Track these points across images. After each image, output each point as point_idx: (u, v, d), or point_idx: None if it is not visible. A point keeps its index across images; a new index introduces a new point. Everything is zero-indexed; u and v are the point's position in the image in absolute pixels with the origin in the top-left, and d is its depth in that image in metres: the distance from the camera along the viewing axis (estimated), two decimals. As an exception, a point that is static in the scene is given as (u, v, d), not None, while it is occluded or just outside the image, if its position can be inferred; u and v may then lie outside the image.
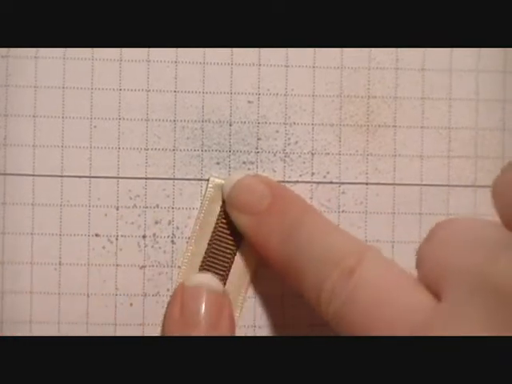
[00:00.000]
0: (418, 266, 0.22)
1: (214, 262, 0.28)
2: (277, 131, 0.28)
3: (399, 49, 0.29)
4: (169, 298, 0.28)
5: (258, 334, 0.28)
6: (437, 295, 0.21)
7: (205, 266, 0.28)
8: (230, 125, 0.28)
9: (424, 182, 0.29)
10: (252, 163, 0.28)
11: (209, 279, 0.27)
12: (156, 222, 0.28)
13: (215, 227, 0.28)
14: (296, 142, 0.28)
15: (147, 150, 0.28)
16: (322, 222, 0.25)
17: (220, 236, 0.28)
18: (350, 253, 0.23)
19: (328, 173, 0.28)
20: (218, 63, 0.28)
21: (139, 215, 0.28)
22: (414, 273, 0.22)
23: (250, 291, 0.28)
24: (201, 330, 0.26)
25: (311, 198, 0.28)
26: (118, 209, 0.28)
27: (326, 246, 0.24)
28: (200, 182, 0.28)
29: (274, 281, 0.28)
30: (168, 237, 0.28)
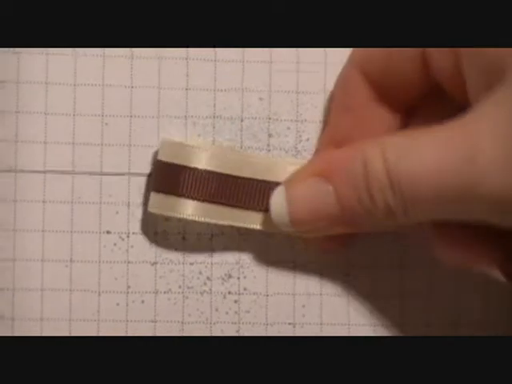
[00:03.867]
0: None
1: None
2: (288, 128, 0.29)
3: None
4: (180, 295, 0.28)
5: (269, 332, 0.28)
6: None
7: None
8: (242, 121, 0.28)
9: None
10: (263, 160, 0.28)
11: None
12: (167, 219, 0.28)
13: None
14: (307, 139, 0.28)
15: (158, 146, 0.28)
16: None
17: None
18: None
19: (339, 169, 0.28)
20: (229, 60, 0.28)
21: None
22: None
23: (263, 288, 0.28)
24: None
25: (322, 195, 0.28)
26: (129, 206, 0.28)
27: None
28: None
29: (287, 279, 0.28)
30: (179, 233, 0.28)
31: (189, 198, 0.26)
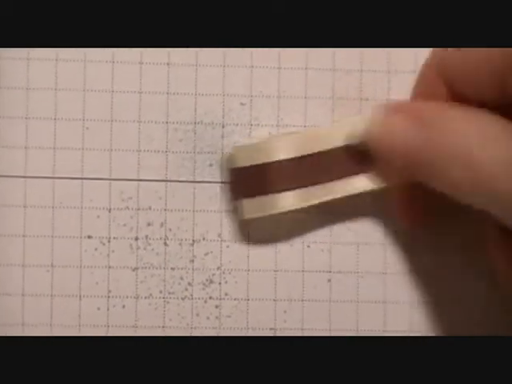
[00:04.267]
0: None
1: None
2: (269, 133, 0.28)
3: (392, 50, 0.29)
4: (161, 300, 0.28)
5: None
6: None
7: None
8: (223, 127, 0.28)
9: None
10: (244, 165, 0.28)
11: None
12: (148, 224, 0.28)
13: None
14: (288, 144, 0.28)
15: (139, 151, 0.28)
16: None
17: None
18: None
19: (320, 175, 0.28)
20: (210, 65, 0.28)
21: (131, 217, 0.28)
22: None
23: (244, 293, 0.28)
24: None
25: (304, 200, 0.28)
26: (110, 211, 0.28)
27: None
28: (193, 183, 0.28)
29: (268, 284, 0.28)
30: (160, 239, 0.28)
31: (283, 192, 0.26)
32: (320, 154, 0.27)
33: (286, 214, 0.28)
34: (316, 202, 0.27)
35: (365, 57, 0.29)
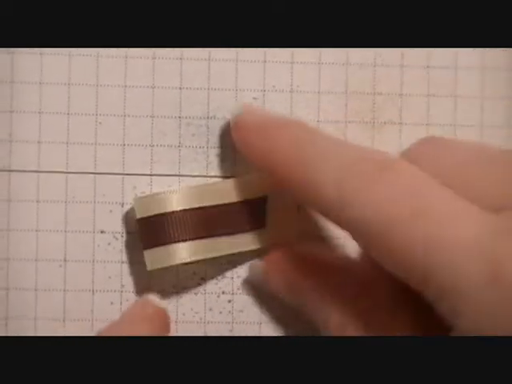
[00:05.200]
0: None
1: None
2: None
3: (405, 50, 0.29)
4: (174, 295, 0.28)
5: (263, 331, 0.28)
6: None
7: None
8: (236, 121, 0.28)
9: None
10: (257, 160, 0.28)
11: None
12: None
13: None
14: (301, 139, 0.28)
15: (152, 146, 0.28)
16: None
17: None
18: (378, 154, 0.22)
19: (333, 169, 0.28)
20: (223, 60, 0.28)
21: (144, 212, 0.28)
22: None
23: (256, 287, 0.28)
24: None
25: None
26: (123, 205, 0.28)
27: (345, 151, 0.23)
28: (206, 178, 0.28)
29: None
30: (173, 233, 0.28)
31: (179, 242, 0.26)
32: (218, 206, 0.27)
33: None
34: (213, 255, 0.27)
35: (378, 53, 0.29)
